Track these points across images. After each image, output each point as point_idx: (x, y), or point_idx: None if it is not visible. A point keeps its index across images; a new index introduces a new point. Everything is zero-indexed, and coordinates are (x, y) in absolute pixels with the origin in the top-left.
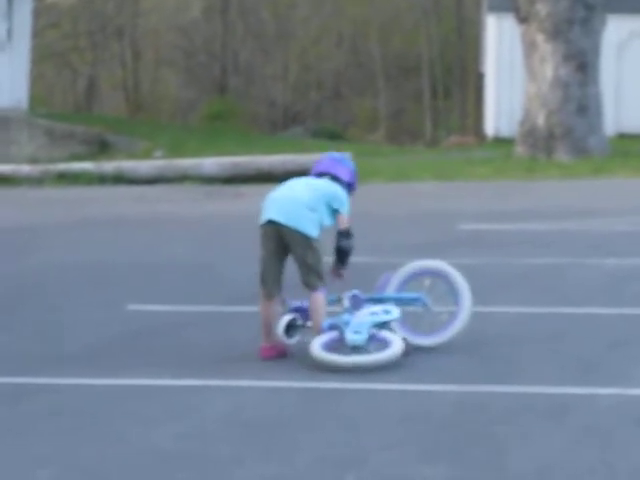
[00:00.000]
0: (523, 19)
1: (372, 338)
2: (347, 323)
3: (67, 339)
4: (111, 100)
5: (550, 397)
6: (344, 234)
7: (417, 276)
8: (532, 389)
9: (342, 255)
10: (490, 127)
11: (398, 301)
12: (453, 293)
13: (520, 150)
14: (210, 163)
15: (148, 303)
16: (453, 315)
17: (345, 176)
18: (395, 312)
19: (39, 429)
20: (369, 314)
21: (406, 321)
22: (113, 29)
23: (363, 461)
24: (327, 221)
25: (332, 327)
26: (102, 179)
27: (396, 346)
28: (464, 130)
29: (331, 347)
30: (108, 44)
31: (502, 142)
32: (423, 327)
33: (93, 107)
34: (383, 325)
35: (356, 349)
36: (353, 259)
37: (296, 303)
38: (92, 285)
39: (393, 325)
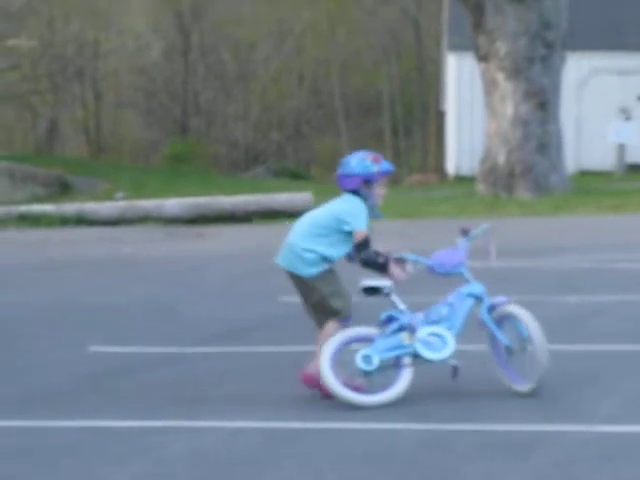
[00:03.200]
0: (483, 57)
1: (385, 367)
2: (402, 326)
3: (29, 381)
4: (72, 142)
5: (513, 434)
6: (357, 247)
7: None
8: (495, 427)
9: (369, 266)
10: (451, 165)
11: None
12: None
13: (481, 188)
14: (172, 204)
15: (110, 344)
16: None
17: (350, 184)
18: (446, 349)
19: (3, 471)
20: (422, 335)
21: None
22: (74, 71)
23: None
24: (339, 248)
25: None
26: (63, 221)
27: (399, 387)
28: (425, 168)
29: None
30: (69, 86)
31: (463, 180)
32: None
33: (54, 149)
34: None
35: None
36: None
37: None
38: (54, 326)
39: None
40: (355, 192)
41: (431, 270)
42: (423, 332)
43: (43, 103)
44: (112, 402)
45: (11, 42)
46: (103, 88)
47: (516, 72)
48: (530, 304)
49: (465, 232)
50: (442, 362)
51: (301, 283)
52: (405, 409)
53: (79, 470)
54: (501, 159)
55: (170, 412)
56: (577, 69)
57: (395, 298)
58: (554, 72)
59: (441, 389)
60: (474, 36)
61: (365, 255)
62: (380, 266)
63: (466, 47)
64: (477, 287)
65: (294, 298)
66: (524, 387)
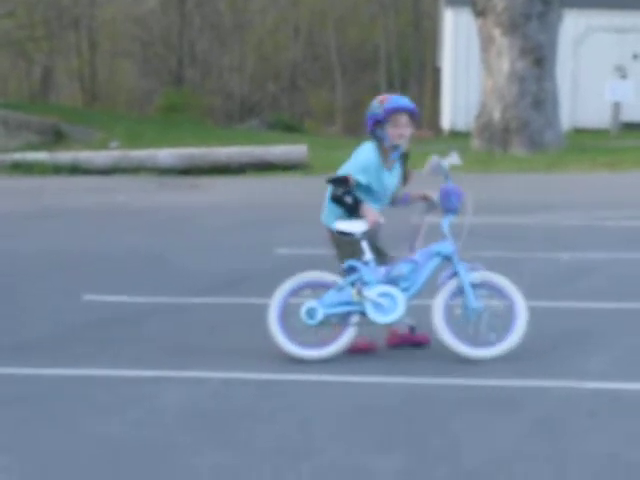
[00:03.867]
0: (480, 13)
1: (330, 323)
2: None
3: (23, 328)
4: (67, 90)
5: (503, 389)
6: (333, 182)
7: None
8: (485, 382)
9: (338, 204)
10: (446, 121)
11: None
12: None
13: (476, 144)
14: (165, 154)
15: (104, 293)
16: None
17: (368, 127)
18: (395, 312)
19: None
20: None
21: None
22: (69, 19)
23: (318, 452)
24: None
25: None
26: (57, 169)
27: (338, 345)
28: (420, 124)
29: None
30: (64, 34)
31: (458, 136)
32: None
33: (49, 97)
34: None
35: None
36: None
37: None
38: (47, 275)
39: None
40: (374, 135)
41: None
42: (373, 292)
43: (38, 51)
44: (104, 351)
45: None
46: (99, 37)
47: (513, 28)
48: (523, 260)
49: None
50: (390, 325)
51: (333, 238)
52: (392, 363)
53: (72, 419)
54: (496, 115)
55: (162, 362)
56: (574, 26)
57: (364, 245)
58: (551, 29)
59: (427, 345)
60: None
61: (335, 191)
62: (348, 206)
63: (463, 2)
64: (446, 246)
65: (289, 250)
66: (479, 353)
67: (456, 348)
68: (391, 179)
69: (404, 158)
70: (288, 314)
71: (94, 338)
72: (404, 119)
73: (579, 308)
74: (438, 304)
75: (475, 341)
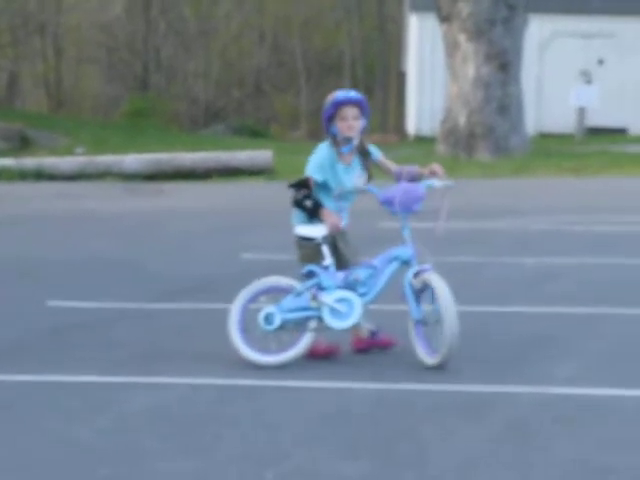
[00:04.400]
0: (445, 18)
1: (288, 328)
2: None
3: None
4: (32, 96)
5: (470, 395)
6: (294, 186)
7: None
8: (452, 387)
9: (299, 208)
10: (411, 126)
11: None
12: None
13: (441, 149)
14: (131, 160)
15: (69, 299)
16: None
17: (325, 126)
18: (350, 318)
19: None
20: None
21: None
22: (35, 25)
23: (283, 458)
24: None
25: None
26: (23, 175)
27: (296, 350)
28: (385, 129)
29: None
30: (30, 40)
31: (423, 141)
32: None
33: (14, 103)
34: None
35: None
36: None
37: None
38: (12, 281)
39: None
40: (329, 133)
41: (385, 204)
42: (330, 297)
43: (3, 57)
44: (71, 357)
45: None
46: (64, 43)
47: (478, 33)
48: (489, 265)
49: (402, 178)
50: (346, 330)
51: (296, 241)
52: (359, 368)
53: (38, 424)
54: (462, 120)
55: (129, 368)
56: (539, 31)
57: (325, 250)
58: (516, 34)
59: (394, 349)
60: None
61: (296, 196)
62: (308, 210)
63: (428, 7)
64: (405, 251)
65: (255, 255)
66: (432, 360)
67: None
68: (349, 175)
69: (364, 154)
70: (248, 320)
71: (60, 344)
72: (352, 111)
73: (547, 313)
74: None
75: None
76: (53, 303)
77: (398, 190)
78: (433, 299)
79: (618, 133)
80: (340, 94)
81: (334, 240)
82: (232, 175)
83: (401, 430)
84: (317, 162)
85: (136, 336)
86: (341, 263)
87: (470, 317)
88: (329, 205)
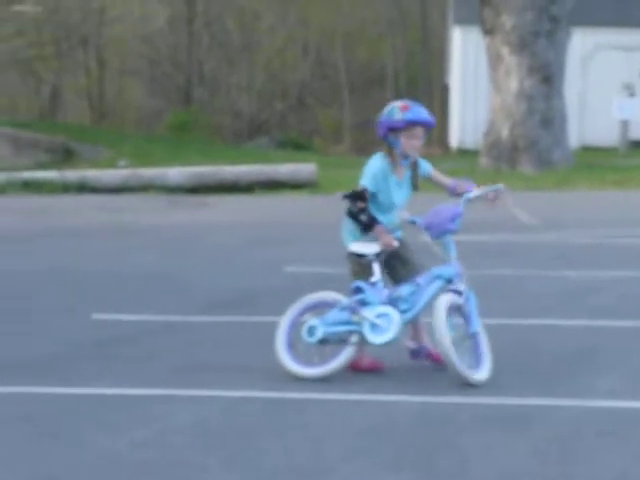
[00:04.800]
0: (488, 31)
1: (331, 341)
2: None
3: (32, 347)
4: (75, 108)
5: (512, 408)
6: (350, 197)
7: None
8: (494, 400)
9: (354, 219)
10: (454, 138)
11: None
12: None
13: (484, 162)
14: (175, 173)
15: (113, 312)
16: None
17: (379, 132)
18: (388, 332)
19: (2, 436)
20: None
21: None
22: (78, 37)
23: (328, 470)
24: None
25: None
26: (66, 188)
27: (335, 364)
28: (429, 141)
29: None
30: (73, 52)
31: (466, 154)
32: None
33: (57, 115)
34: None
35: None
36: None
37: None
38: (57, 294)
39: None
40: (385, 140)
41: (426, 230)
42: (372, 312)
43: (47, 69)
44: (113, 370)
45: (17, 8)
46: (107, 55)
47: (521, 46)
48: (530, 278)
49: (457, 192)
50: (386, 345)
51: (347, 256)
52: (404, 381)
53: (79, 437)
54: (505, 133)
55: (172, 381)
56: (582, 44)
57: (375, 267)
58: (559, 47)
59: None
60: (480, 9)
61: (351, 208)
62: (362, 224)
63: (472, 20)
64: (448, 269)
65: (298, 268)
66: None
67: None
68: (401, 188)
69: (414, 166)
70: (295, 334)
71: (103, 357)
72: (420, 132)
73: (589, 326)
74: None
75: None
76: (97, 316)
77: (430, 214)
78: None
79: None
80: (417, 112)
81: (391, 256)
82: (275, 188)
83: (444, 443)
84: (371, 171)
85: (179, 349)
86: (405, 269)
87: (512, 330)
88: (379, 217)
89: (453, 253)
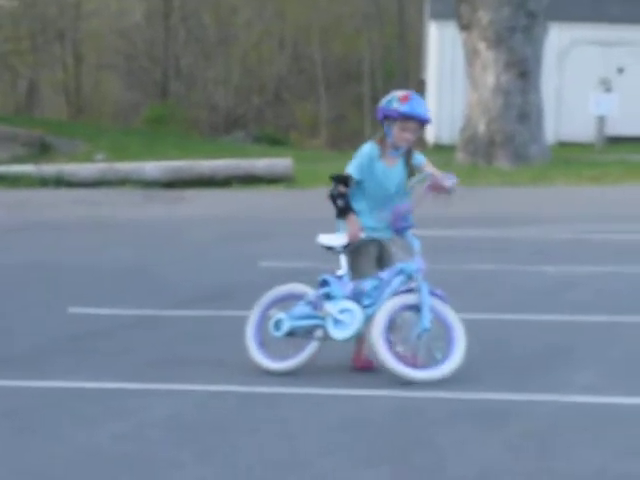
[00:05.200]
0: (465, 27)
1: (297, 334)
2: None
3: (7, 341)
4: (52, 103)
5: (489, 403)
6: (334, 180)
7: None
8: (470, 395)
9: (332, 203)
10: (431, 134)
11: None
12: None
13: (461, 157)
14: (151, 167)
15: (88, 306)
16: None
17: (377, 116)
18: (350, 328)
19: None
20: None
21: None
22: (54, 32)
23: (303, 465)
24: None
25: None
26: (43, 181)
27: (299, 359)
28: None
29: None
30: (49, 47)
31: (443, 149)
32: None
33: (34, 110)
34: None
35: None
36: None
37: None
38: (32, 288)
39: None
40: (381, 125)
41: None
42: (335, 307)
43: (23, 64)
44: (89, 363)
45: None
46: (84, 50)
47: (498, 41)
48: (507, 273)
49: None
50: (347, 340)
51: None
52: (378, 376)
53: (57, 431)
54: (481, 128)
55: (147, 375)
56: (559, 39)
57: (342, 260)
58: (536, 42)
59: None
60: (456, 5)
61: (332, 190)
62: (338, 209)
63: (448, 15)
64: (411, 265)
65: (273, 263)
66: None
67: (390, 364)
68: (391, 175)
69: (408, 155)
70: (264, 327)
71: (79, 350)
72: (414, 126)
73: (566, 321)
74: (380, 316)
75: (410, 361)
76: (72, 310)
77: (392, 213)
78: (442, 321)
79: (638, 142)
80: (414, 107)
81: (381, 250)
82: (252, 183)
83: (419, 438)
84: (358, 160)
85: (154, 343)
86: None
87: (489, 325)
88: (362, 207)
89: (416, 248)
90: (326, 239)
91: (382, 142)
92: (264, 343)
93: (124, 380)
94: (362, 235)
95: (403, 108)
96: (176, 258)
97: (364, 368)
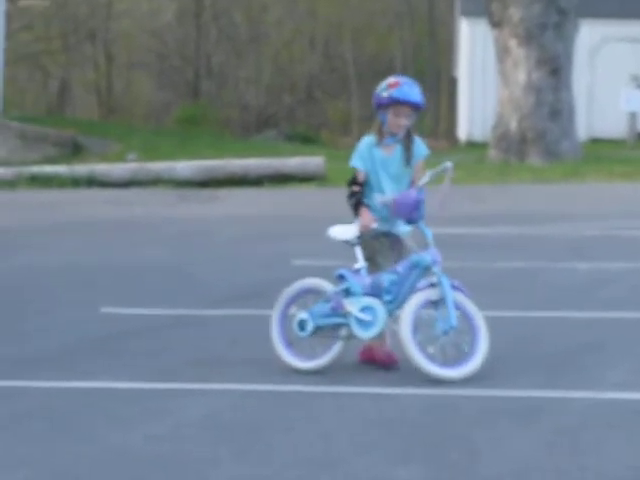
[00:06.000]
0: (496, 24)
1: (322, 334)
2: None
3: (41, 341)
4: (84, 103)
5: (522, 400)
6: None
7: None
8: (504, 392)
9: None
10: (463, 131)
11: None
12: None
13: (493, 154)
14: (183, 166)
15: (122, 306)
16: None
17: (374, 105)
18: (374, 327)
19: (13, 431)
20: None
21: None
22: (86, 32)
23: (338, 463)
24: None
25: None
26: (75, 182)
27: (324, 359)
28: (437, 134)
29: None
30: (81, 47)
31: (475, 146)
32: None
33: (65, 110)
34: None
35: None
36: None
37: None
38: (65, 288)
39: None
40: (378, 116)
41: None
42: (354, 306)
43: (55, 64)
44: (123, 364)
45: (24, 2)
46: (115, 50)
47: (529, 38)
48: (539, 270)
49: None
50: (373, 339)
51: None
52: (411, 373)
53: (92, 432)
54: (513, 125)
55: (182, 374)
56: (589, 36)
57: (357, 252)
58: (567, 39)
59: None
60: (487, 2)
61: (347, 195)
62: (351, 206)
63: (479, 13)
64: (426, 257)
65: (307, 261)
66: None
67: (423, 366)
68: (386, 165)
69: (408, 142)
70: (289, 326)
71: (112, 351)
72: (407, 111)
73: (599, 318)
74: (407, 315)
75: (441, 360)
76: (106, 310)
77: (398, 199)
78: (466, 317)
79: None
80: (403, 92)
81: (395, 243)
82: (284, 181)
83: (453, 435)
84: (357, 151)
85: (188, 343)
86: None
87: (521, 322)
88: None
89: (429, 239)
90: (337, 232)
91: (379, 131)
92: (291, 342)
93: (159, 380)
94: (374, 225)
95: (394, 94)
96: (210, 257)
97: (368, 360)
